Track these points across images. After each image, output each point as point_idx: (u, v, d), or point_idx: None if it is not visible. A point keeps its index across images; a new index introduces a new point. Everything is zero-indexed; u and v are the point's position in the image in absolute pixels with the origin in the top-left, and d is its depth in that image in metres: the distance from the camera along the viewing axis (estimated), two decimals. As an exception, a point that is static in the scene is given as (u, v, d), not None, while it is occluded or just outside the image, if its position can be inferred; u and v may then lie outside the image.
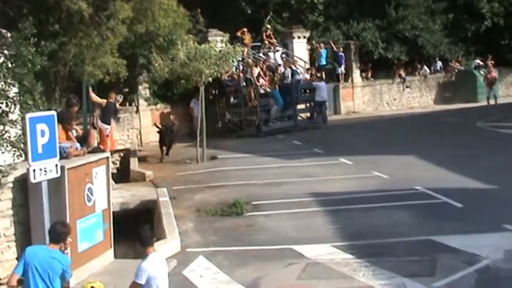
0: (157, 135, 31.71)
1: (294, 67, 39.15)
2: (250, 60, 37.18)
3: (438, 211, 18.73)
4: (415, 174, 23.55)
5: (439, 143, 30.43)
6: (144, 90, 35.18)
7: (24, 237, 14.80)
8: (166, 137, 30.40)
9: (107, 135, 27.08)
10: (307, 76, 40.06)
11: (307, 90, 39.16)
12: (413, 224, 17.68)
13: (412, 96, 48.62)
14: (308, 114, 39.56)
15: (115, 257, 16.49)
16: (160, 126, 31.45)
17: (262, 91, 36.23)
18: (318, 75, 40.83)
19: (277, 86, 36.40)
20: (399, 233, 16.75)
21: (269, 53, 40.23)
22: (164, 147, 30.60)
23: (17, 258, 14.65)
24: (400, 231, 16.96)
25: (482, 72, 47.53)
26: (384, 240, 16.30)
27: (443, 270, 14.08)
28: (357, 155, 27.90)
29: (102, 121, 26.94)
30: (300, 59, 41.71)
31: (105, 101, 27.41)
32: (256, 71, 36.60)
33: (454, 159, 25.92)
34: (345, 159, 27.37)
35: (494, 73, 45.30)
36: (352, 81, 45.31)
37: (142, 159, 29.76)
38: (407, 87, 48.14)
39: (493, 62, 48.84)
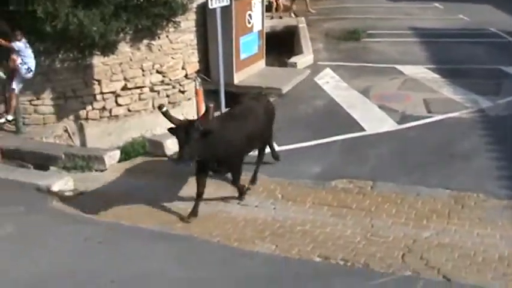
0: None
1: None
2: None
3: (506, 48, 18.13)
4: (490, 19, 22.65)
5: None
6: None
7: (203, 47, 15.21)
8: (185, 149, 8.16)
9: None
10: None
11: None
12: (486, 56, 17.20)
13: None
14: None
15: (266, 64, 16.76)
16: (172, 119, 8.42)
17: None
18: None
19: None
20: (475, 62, 16.39)
21: None
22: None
23: (198, 61, 15.14)
24: (476, 60, 16.59)
25: None
26: (464, 66, 16.01)
27: (506, 92, 13.86)
28: (447, 1, 26.90)
29: None
30: None
31: None
32: None
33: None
34: (437, 3, 26.54)
35: None
36: None
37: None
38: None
39: None
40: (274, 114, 10.23)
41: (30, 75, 11.73)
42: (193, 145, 8.21)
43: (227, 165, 9.13)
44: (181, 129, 8.28)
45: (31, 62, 11.64)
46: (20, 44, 11.45)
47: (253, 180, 9.82)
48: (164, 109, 8.43)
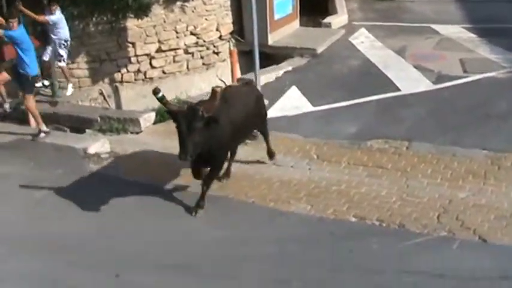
0: None
1: None
2: None
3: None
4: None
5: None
6: None
7: (236, 8, 15.06)
8: (189, 141, 7.11)
9: None
10: None
11: None
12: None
13: None
14: None
15: (300, 25, 16.59)
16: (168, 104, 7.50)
17: None
18: None
19: None
20: (513, 21, 16.05)
21: None
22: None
23: (232, 23, 15.02)
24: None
25: None
26: (501, 25, 15.62)
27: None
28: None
29: None
30: None
31: None
32: None
33: None
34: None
35: None
36: None
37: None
38: None
39: None
40: (264, 104, 9.33)
41: (68, 43, 11.79)
42: (197, 137, 7.11)
43: (213, 158, 7.83)
44: (182, 118, 7.12)
45: (65, 32, 11.67)
46: (55, 17, 11.47)
47: (271, 155, 9.16)
48: (160, 94, 7.29)
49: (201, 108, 7.20)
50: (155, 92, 7.30)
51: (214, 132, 7.36)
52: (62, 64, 11.82)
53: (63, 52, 11.68)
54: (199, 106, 7.31)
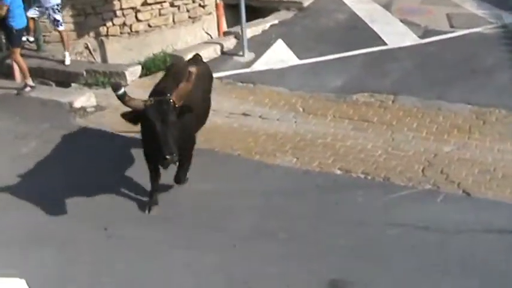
0: None
1: None
2: None
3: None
4: None
5: None
6: None
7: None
8: (170, 138, 5.90)
9: None
10: None
11: None
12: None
13: None
14: None
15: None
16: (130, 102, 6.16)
17: None
18: None
19: None
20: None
21: None
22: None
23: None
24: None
25: None
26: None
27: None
28: None
29: None
30: None
31: None
32: None
33: None
34: None
35: None
36: None
37: None
38: None
39: None
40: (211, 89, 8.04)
41: (60, 7, 11.51)
42: (174, 132, 6.00)
43: (185, 151, 6.73)
44: (155, 113, 5.97)
45: None
46: None
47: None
48: (121, 91, 6.09)
49: (172, 97, 6.10)
50: (114, 88, 6.16)
51: (183, 122, 6.29)
52: (61, 28, 11.55)
53: (58, 17, 11.41)
54: (169, 96, 6.13)
